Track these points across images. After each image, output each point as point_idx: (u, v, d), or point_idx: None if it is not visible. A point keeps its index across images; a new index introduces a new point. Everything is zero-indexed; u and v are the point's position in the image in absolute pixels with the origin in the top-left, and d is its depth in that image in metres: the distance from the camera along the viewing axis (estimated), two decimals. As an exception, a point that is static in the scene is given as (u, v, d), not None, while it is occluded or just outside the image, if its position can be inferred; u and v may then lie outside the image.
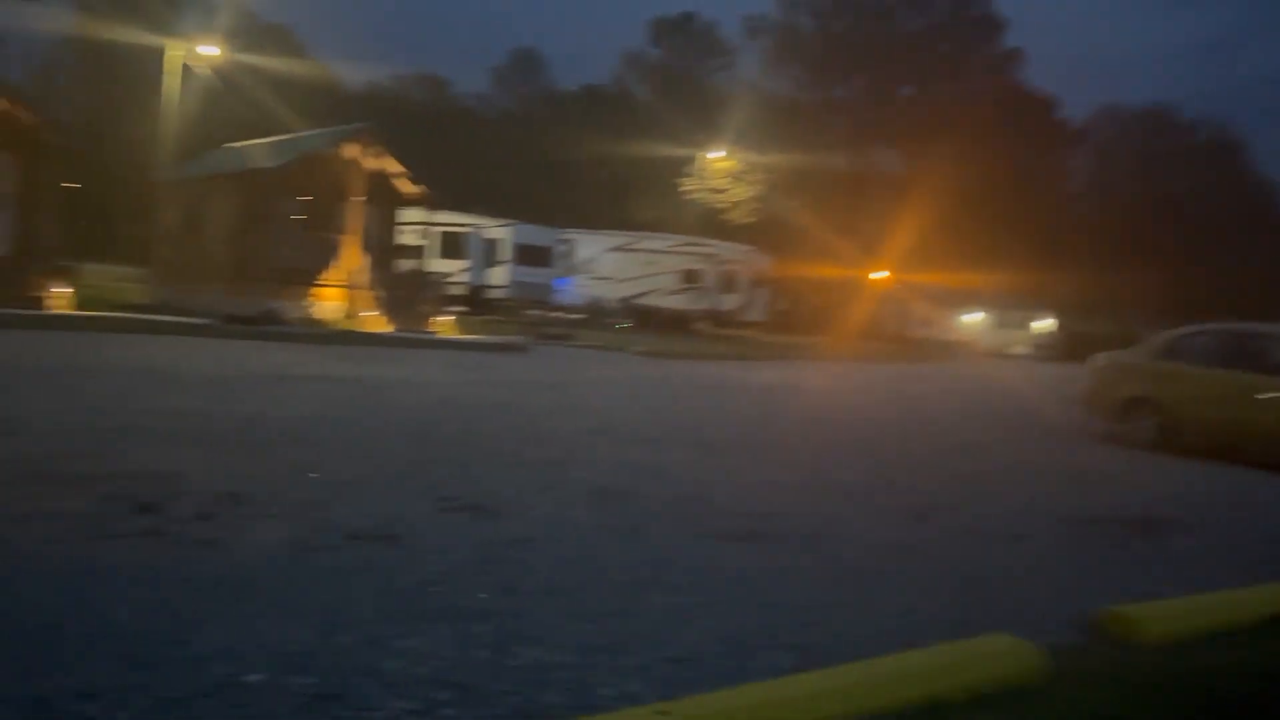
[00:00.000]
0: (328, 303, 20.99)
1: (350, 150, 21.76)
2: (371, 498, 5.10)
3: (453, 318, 22.03)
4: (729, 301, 37.96)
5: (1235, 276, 67.24)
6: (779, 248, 45.86)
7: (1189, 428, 10.38)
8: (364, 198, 21.88)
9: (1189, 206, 67.33)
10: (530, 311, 24.85)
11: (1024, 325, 68.68)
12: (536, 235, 34.69)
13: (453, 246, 33.87)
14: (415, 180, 22.94)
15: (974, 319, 68.09)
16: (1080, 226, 64.97)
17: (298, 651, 2.88)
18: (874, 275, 56.20)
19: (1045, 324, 68.35)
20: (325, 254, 21.30)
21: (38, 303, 16.99)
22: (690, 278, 38.24)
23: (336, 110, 39.98)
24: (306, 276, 20.88)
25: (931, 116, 52.19)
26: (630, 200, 57.32)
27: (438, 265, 33.33)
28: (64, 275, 18.97)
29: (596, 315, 37.67)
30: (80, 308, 17.83)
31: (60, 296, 17.59)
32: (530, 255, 33.92)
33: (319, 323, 20.28)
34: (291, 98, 46.77)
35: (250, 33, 58.55)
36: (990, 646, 3.29)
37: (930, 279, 59.34)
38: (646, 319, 38.13)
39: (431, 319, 21.37)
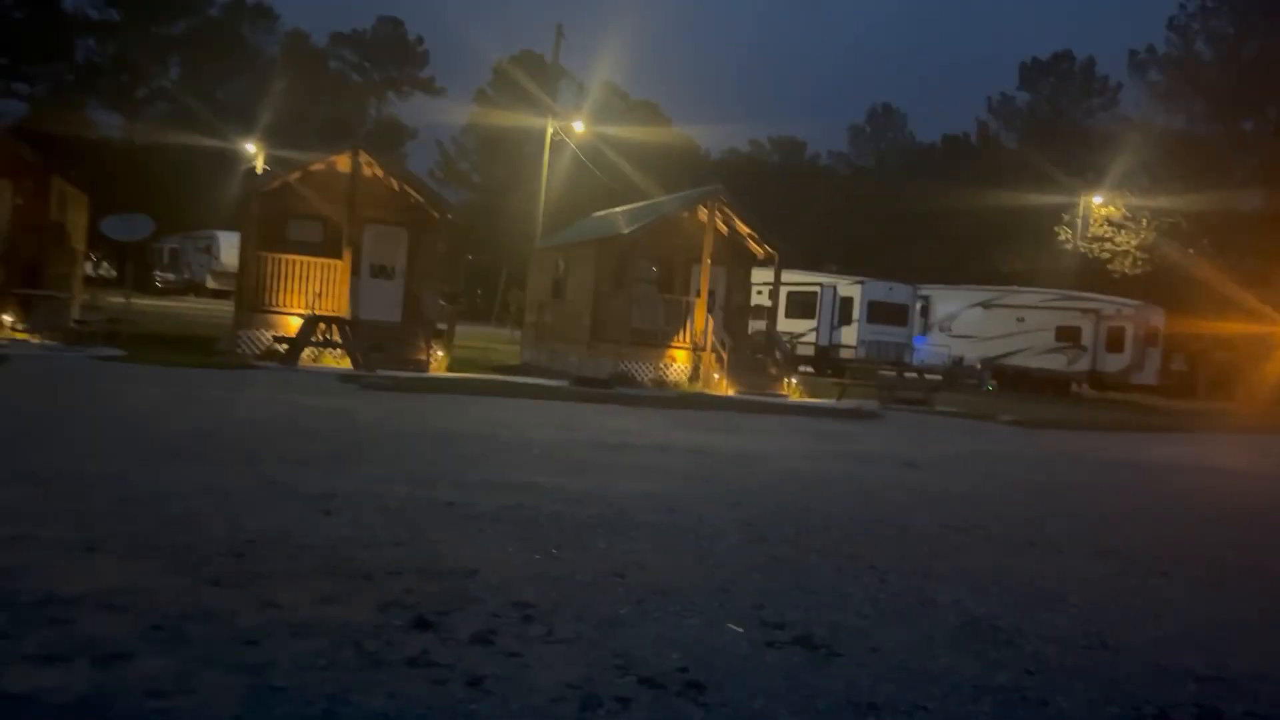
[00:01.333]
0: (678, 364, 20.97)
1: (702, 213, 21.77)
2: (681, 615, 4.20)
3: (799, 380, 21.15)
4: (1113, 362, 33.68)
5: None
6: (1174, 301, 40.27)
7: None
8: (715, 260, 21.77)
9: None
10: (883, 373, 23.39)
11: None
12: (890, 292, 33.03)
13: (802, 306, 33.15)
14: (766, 240, 22.49)
15: None
16: None
17: None
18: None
19: None
20: (676, 316, 21.36)
21: (421, 365, 18.41)
22: (1066, 335, 34.51)
23: (698, 177, 41.11)
24: (658, 339, 21.03)
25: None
26: (995, 253, 53.62)
27: (787, 325, 32.74)
28: (443, 339, 20.55)
29: (956, 376, 35.05)
30: (453, 369, 19.12)
31: (438, 359, 18.95)
32: (883, 313, 32.32)
33: (668, 384, 20.27)
34: (657, 167, 49.13)
35: (622, 109, 62.55)
36: None
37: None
38: (1015, 381, 34.91)
39: (780, 381, 20.63)
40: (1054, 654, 4.10)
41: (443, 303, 23.05)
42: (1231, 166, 45.51)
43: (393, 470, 7.26)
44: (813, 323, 33.05)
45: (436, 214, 20.34)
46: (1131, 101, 51.52)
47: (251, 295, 18.75)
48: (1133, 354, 33.47)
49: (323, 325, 17.49)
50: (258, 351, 18.12)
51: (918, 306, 36.22)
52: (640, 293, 21.63)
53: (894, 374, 21.86)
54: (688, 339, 21.02)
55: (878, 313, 32.26)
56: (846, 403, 19.42)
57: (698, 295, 21.32)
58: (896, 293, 33.37)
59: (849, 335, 32.21)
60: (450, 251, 31.08)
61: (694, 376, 20.55)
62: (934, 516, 7.08)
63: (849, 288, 32.73)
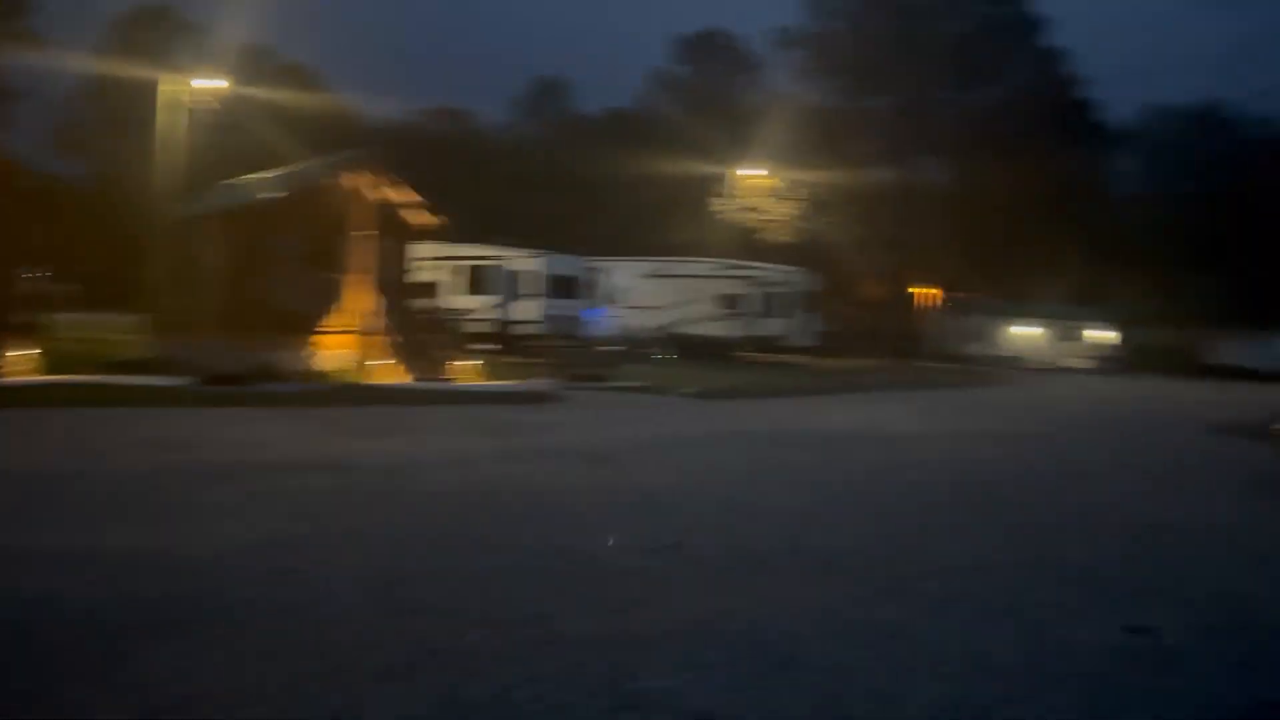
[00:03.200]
0: (334, 351, 18.57)
1: (355, 179, 19.43)
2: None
3: (475, 361, 19.56)
4: (774, 326, 35.25)
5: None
6: (824, 267, 43.13)
7: None
8: (373, 231, 19.55)
9: (1249, 206, 63.78)
10: (562, 347, 22.43)
11: (1081, 337, 65.48)
12: (567, 265, 32.27)
13: (480, 281, 31.55)
14: (430, 210, 20.57)
15: (1029, 332, 64.95)
16: (1134, 232, 61.65)
17: None
18: (924, 291, 53.33)
19: (1105, 336, 65.07)
20: (331, 296, 18.92)
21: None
22: (731, 303, 35.62)
23: (354, 146, 37.83)
24: (310, 323, 18.50)
25: (974, 122, 49.40)
26: (663, 224, 54.88)
27: (465, 302, 30.97)
28: (30, 333, 16.70)
29: (633, 346, 35.10)
30: (49, 371, 15.51)
31: (21, 360, 15.27)
32: (562, 286, 31.48)
33: (321, 375, 17.84)
34: (308, 134, 44.96)
35: (267, 71, 57.03)
36: None
37: (981, 293, 56.33)
38: (687, 348, 35.52)
39: (451, 364, 18.89)
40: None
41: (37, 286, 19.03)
42: (866, 140, 49.47)
43: None
44: (492, 299, 31.53)
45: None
46: (778, 78, 54.57)
47: None
48: (790, 318, 35.18)
49: None
50: None
51: (593, 279, 35.84)
52: (286, 270, 18.93)
53: (576, 349, 20.86)
54: (347, 322, 18.68)
55: (557, 286, 31.36)
56: (526, 385, 18.10)
57: (356, 271, 19.01)
58: (574, 265, 32.66)
59: (530, 310, 31.03)
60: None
61: (356, 365, 18.28)
62: (642, 534, 5.78)
63: (528, 261, 31.55)
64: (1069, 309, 64.02)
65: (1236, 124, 70.13)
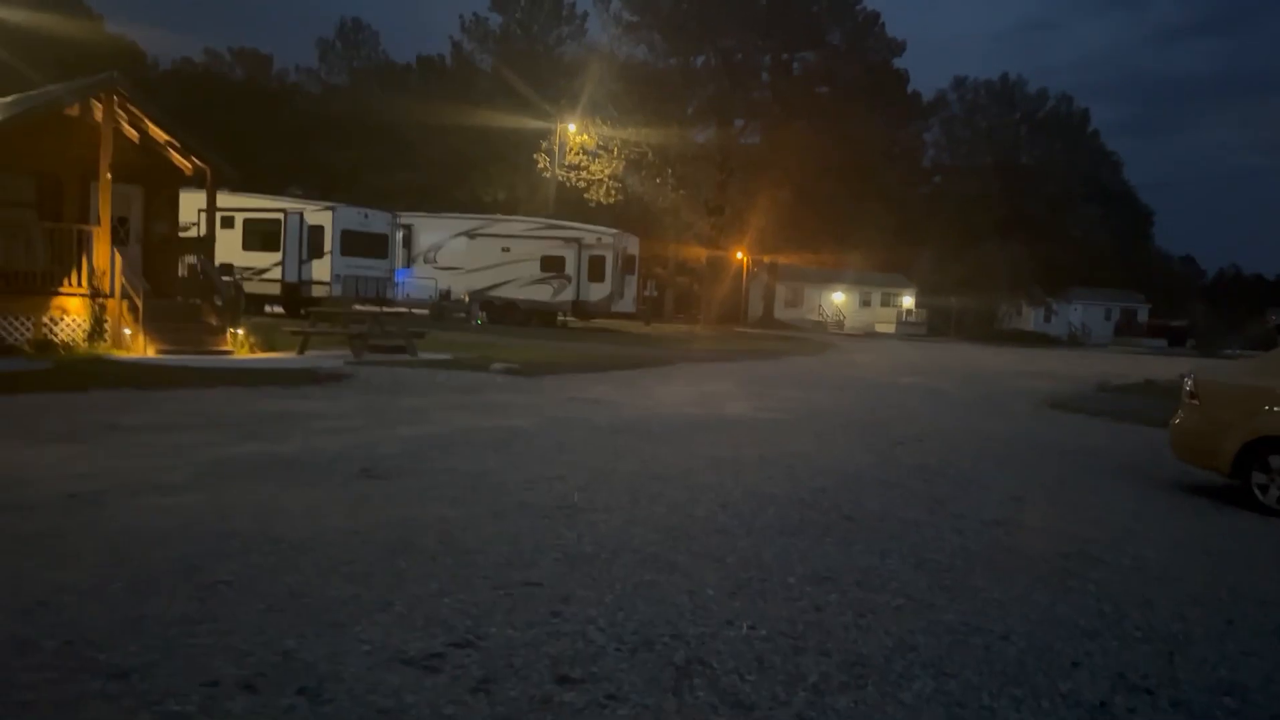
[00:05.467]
0: (71, 318, 15.40)
1: (97, 111, 16.16)
2: None
3: (251, 329, 16.77)
4: (596, 291, 33.47)
5: (1088, 248, 67.55)
6: (645, 230, 41.74)
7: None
8: (125, 177, 16.38)
9: (1039, 178, 67.14)
10: (361, 309, 19.93)
11: (889, 303, 67.51)
12: (366, 220, 29.21)
13: (264, 236, 28.11)
14: (194, 153, 17.48)
15: (844, 299, 66.32)
16: (937, 201, 63.69)
17: None
18: (741, 256, 53.06)
19: (909, 301, 67.33)
20: (66, 252, 15.67)
21: None
22: (551, 265, 33.58)
23: (144, 90, 33.12)
24: (39, 283, 15.25)
25: (792, 87, 49.11)
26: (478, 180, 52.08)
27: (246, 259, 27.56)
28: None
29: (444, 312, 32.61)
30: None
31: None
32: (360, 244, 28.47)
33: (54, 346, 14.72)
34: (84, 74, 39.33)
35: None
36: None
37: (796, 258, 56.72)
38: (504, 313, 33.34)
39: (222, 334, 16.08)
40: None
41: None
42: (687, 101, 48.27)
43: None
44: (278, 256, 28.19)
45: None
46: (599, 31, 52.55)
47: None
48: (613, 282, 33.49)
49: None
50: None
51: (399, 236, 32.98)
52: (7, 219, 15.53)
53: (377, 316, 18.34)
54: (84, 283, 15.51)
55: (353, 243, 28.33)
56: (307, 358, 15.56)
57: (98, 223, 15.82)
58: (374, 221, 29.66)
59: (321, 270, 27.90)
60: None
61: (95, 334, 15.21)
62: (384, 639, 3.78)
63: (318, 215, 28.28)
64: (882, 276, 65.85)
65: (1031, 99, 73.80)
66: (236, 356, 15.42)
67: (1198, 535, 6.40)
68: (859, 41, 50.23)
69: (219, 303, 16.59)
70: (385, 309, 26.37)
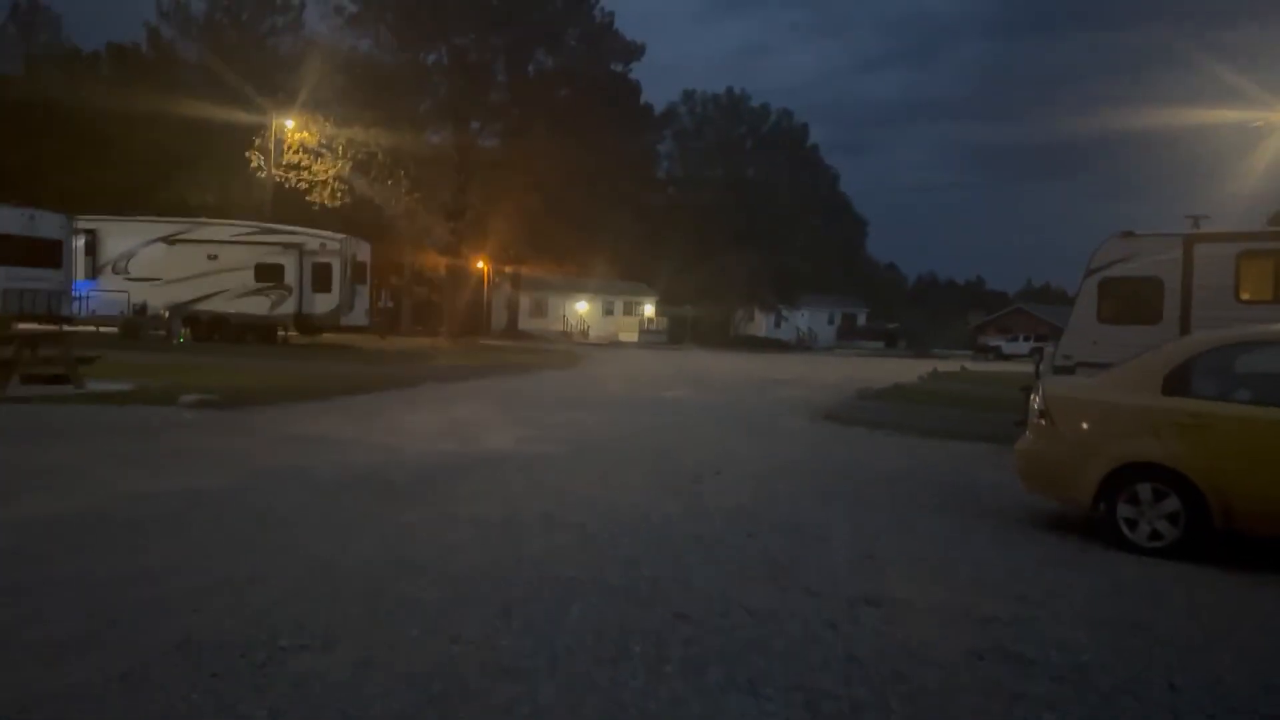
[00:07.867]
0: None
1: None
2: None
3: None
4: (321, 302, 30.05)
5: (813, 256, 70.97)
6: (379, 236, 38.50)
7: (1249, 517, 5.78)
8: None
9: (766, 189, 69.69)
10: (26, 327, 16.00)
11: (632, 312, 67.61)
12: (33, 223, 24.39)
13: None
14: None
15: (587, 308, 65.57)
16: (675, 212, 64.35)
17: None
18: (482, 264, 50.72)
19: (651, 310, 67.77)
20: None
21: None
22: (268, 275, 29.81)
23: None
24: None
25: (529, 89, 47.49)
26: (181, 180, 46.46)
27: None
28: None
29: (138, 328, 28.07)
30: None
31: None
32: (24, 251, 23.67)
33: None
34: None
35: None
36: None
37: (539, 267, 55.14)
38: (213, 329, 29.22)
39: None
40: None
41: None
42: (419, 99, 45.40)
43: None
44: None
45: None
46: (319, 23, 48.55)
47: None
48: (342, 293, 30.32)
49: None
50: None
51: (80, 243, 28.11)
52: None
53: (27, 333, 14.60)
54: None
55: (15, 250, 23.50)
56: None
57: None
58: (43, 224, 24.83)
59: (-28, 282, 22.94)
60: None
61: None
62: None
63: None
64: (625, 285, 65.73)
65: (755, 113, 76.74)
66: None
67: (1105, 596, 5.16)
68: (595, 44, 49.44)
69: None
70: (63, 327, 22.02)
